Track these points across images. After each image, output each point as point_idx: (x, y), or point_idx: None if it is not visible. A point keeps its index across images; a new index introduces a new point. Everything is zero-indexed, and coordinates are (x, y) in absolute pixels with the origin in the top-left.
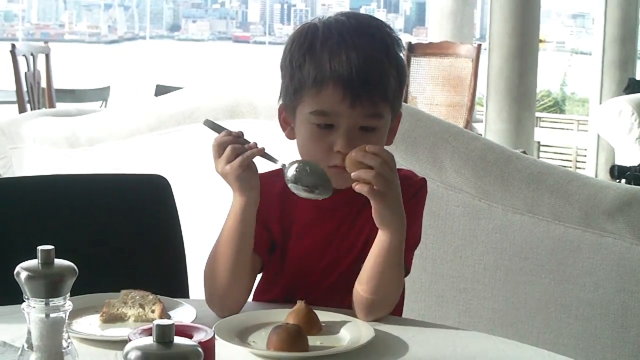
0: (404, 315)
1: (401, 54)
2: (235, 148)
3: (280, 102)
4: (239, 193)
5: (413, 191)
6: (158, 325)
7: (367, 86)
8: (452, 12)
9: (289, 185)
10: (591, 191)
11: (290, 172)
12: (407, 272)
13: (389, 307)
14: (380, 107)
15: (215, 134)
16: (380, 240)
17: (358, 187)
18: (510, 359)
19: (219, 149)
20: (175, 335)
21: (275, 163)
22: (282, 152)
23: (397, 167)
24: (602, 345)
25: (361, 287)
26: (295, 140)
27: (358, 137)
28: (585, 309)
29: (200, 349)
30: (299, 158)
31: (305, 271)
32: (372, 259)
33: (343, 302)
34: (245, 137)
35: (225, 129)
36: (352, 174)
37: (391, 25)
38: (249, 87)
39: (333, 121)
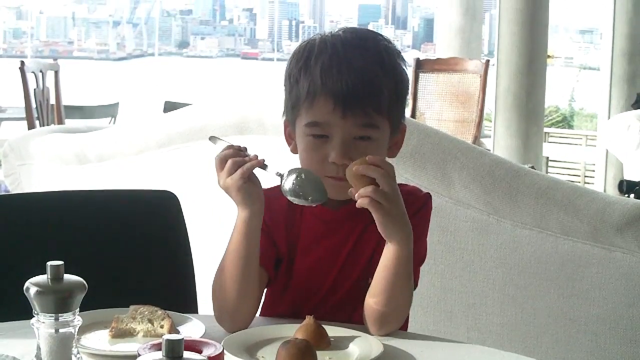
0: (412, 330)
1: (403, 67)
2: (236, 161)
3: (284, 118)
4: (241, 206)
5: (417, 207)
6: (168, 340)
7: (357, 97)
8: (460, 28)
9: (287, 196)
10: (600, 206)
11: (285, 180)
12: (414, 286)
13: (401, 319)
14: (373, 117)
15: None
16: (388, 252)
17: (360, 202)
18: None
19: (221, 163)
20: (185, 350)
21: (275, 173)
22: (291, 168)
23: (404, 182)
24: (611, 359)
25: (373, 300)
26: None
27: (353, 148)
28: (594, 324)
29: None
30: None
31: (312, 286)
32: (382, 271)
33: (351, 317)
34: (253, 153)
35: (229, 144)
36: (354, 192)
37: (399, 42)
38: (257, 104)
39: (326, 132)
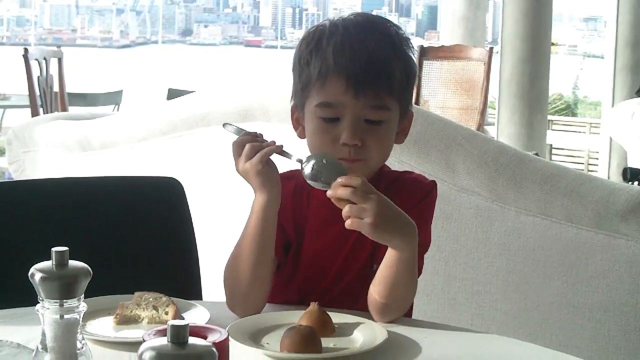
0: (415, 318)
1: (411, 54)
2: (254, 146)
3: (292, 103)
4: (260, 190)
5: (423, 194)
6: (173, 326)
7: (370, 77)
8: (464, 16)
9: (308, 180)
10: (604, 193)
11: (308, 168)
12: (418, 274)
13: (403, 309)
14: (385, 99)
15: (235, 137)
16: (389, 253)
17: (346, 224)
18: None
19: (239, 148)
20: (190, 336)
21: (292, 159)
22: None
23: (409, 169)
24: (615, 347)
25: (375, 290)
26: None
27: (364, 130)
28: (598, 311)
29: (214, 350)
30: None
31: (319, 272)
32: (384, 269)
33: (357, 303)
34: (270, 139)
35: (245, 130)
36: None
37: (403, 29)
38: (260, 91)
39: (338, 113)
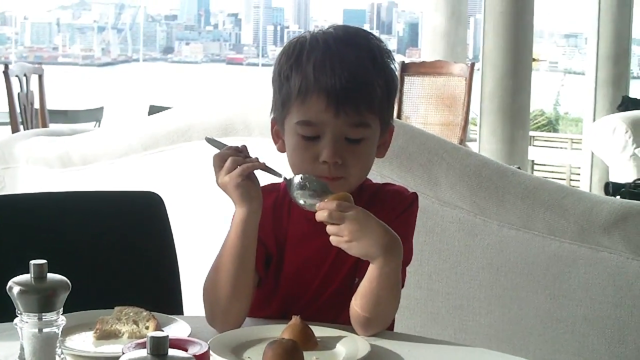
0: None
1: (392, 66)
2: (235, 159)
3: (272, 116)
4: (239, 204)
5: (404, 206)
6: (152, 338)
7: (351, 95)
8: (445, 32)
9: (295, 193)
10: (586, 206)
11: (296, 181)
12: (401, 287)
13: (386, 323)
14: (366, 116)
15: (217, 150)
16: (372, 266)
17: (331, 240)
18: None
19: (220, 161)
20: (170, 348)
21: (279, 177)
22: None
23: (391, 182)
24: None
25: (357, 304)
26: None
27: (344, 148)
28: (581, 324)
29: None
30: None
31: (301, 285)
32: (367, 282)
33: (339, 317)
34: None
35: (227, 145)
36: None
37: (383, 41)
38: (242, 105)
39: (318, 132)
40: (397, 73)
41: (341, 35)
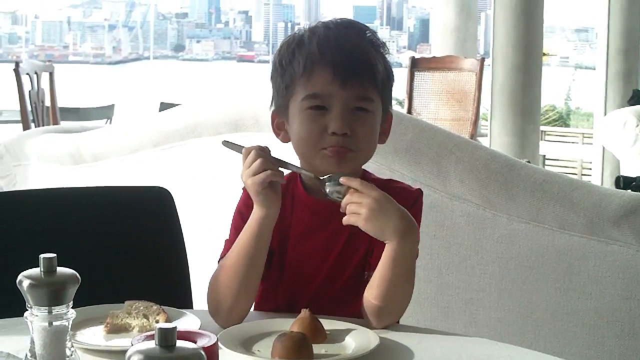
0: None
1: (388, 59)
2: (263, 163)
3: (272, 109)
4: (257, 206)
5: (410, 203)
6: (161, 329)
7: (355, 68)
8: (456, 27)
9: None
10: (596, 199)
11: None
12: None
13: (399, 313)
14: (369, 91)
15: (235, 154)
16: (387, 249)
17: (344, 220)
18: None
19: (247, 157)
20: (179, 340)
21: (310, 175)
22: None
23: (401, 178)
24: (609, 353)
25: (370, 294)
26: (290, 144)
27: (352, 119)
28: (592, 317)
29: (202, 353)
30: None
31: (305, 279)
32: (380, 268)
33: (347, 310)
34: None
35: (244, 147)
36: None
37: (395, 43)
38: (252, 101)
39: (326, 103)
40: (405, 70)
41: (339, 22)
